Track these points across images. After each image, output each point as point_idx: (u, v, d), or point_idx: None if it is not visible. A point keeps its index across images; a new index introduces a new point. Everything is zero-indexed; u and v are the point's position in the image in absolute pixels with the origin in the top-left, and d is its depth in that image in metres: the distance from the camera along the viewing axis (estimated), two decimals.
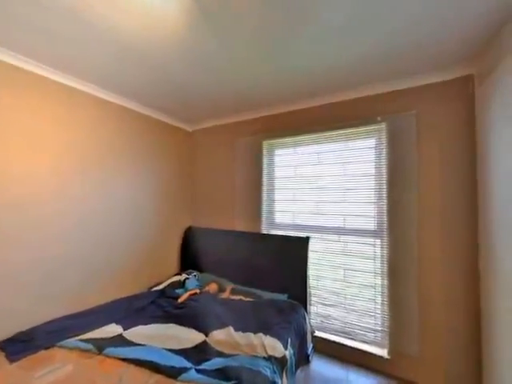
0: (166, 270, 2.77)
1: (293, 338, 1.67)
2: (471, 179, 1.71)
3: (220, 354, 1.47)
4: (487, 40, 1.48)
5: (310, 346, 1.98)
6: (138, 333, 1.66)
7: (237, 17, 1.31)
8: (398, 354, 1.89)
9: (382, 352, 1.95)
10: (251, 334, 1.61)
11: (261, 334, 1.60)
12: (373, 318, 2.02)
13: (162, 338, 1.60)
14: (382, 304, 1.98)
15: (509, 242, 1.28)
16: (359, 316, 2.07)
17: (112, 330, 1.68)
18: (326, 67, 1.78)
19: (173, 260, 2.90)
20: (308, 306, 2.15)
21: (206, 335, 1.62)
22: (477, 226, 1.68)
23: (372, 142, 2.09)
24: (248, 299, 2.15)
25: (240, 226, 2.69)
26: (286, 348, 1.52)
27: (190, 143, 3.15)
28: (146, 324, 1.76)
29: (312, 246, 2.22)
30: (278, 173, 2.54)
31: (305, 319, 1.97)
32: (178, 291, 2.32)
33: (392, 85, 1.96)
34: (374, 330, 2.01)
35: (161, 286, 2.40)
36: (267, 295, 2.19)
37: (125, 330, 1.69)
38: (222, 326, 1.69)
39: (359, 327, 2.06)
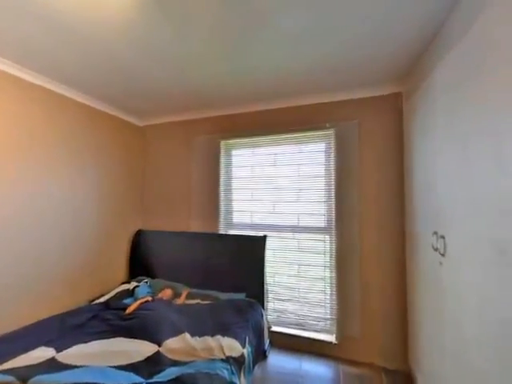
0: (111, 279, 2.50)
1: (250, 336, 1.69)
2: (399, 179, 2.01)
3: (175, 363, 1.40)
4: (411, 65, 1.76)
5: (267, 341, 2.04)
6: (76, 353, 1.45)
7: (194, 9, 1.26)
8: (344, 338, 2.10)
9: (331, 338, 2.13)
10: (208, 338, 1.58)
11: (218, 336, 1.58)
12: (323, 308, 2.20)
13: (107, 354, 1.44)
14: (331, 294, 2.17)
15: (425, 230, 1.55)
16: (311, 307, 2.23)
17: (40, 354, 1.43)
18: (281, 73, 1.86)
19: (120, 267, 2.64)
20: (265, 302, 2.21)
21: (159, 345, 1.52)
22: (404, 217, 1.98)
23: (322, 145, 2.27)
24: (205, 302, 2.10)
25: (196, 226, 2.60)
26: (243, 346, 1.54)
27: (140, 139, 2.90)
28: (86, 342, 1.55)
29: (269, 244, 2.29)
30: (235, 173, 2.54)
31: (262, 316, 2.02)
32: (127, 301, 2.12)
33: (339, 95, 2.17)
34: (324, 319, 2.19)
35: (105, 298, 2.15)
36: (225, 296, 2.18)
37: (58, 352, 1.46)
38: (177, 333, 1.61)
39: (311, 318, 2.22)
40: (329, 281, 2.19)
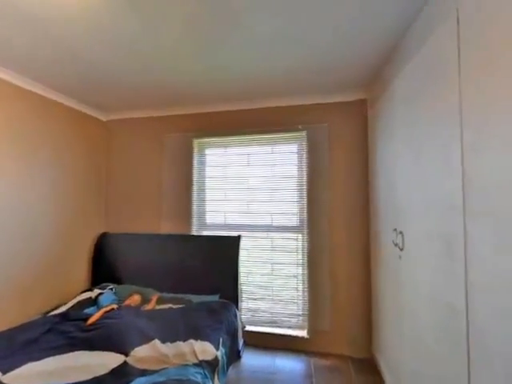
0: (70, 288, 2.28)
1: (224, 338, 1.68)
2: (365, 180, 2.16)
3: (144, 373, 1.33)
4: (375, 74, 1.89)
5: (240, 341, 2.04)
6: (27, 373, 1.29)
7: (165, 1, 1.21)
8: (315, 333, 2.18)
9: (303, 333, 2.21)
10: (180, 343, 1.53)
11: (191, 340, 1.54)
12: (295, 304, 2.27)
13: (65, 371, 1.31)
14: (303, 291, 2.25)
15: (387, 227, 1.69)
16: (284, 305, 2.28)
17: None
18: (254, 74, 1.88)
19: (81, 274, 2.42)
20: (239, 302, 2.21)
21: (127, 355, 1.43)
22: (369, 216, 2.13)
23: (295, 147, 2.34)
24: (178, 306, 2.03)
25: (167, 228, 2.50)
26: (217, 349, 1.52)
27: (103, 134, 2.69)
28: (39, 359, 1.40)
29: (243, 244, 2.29)
30: (209, 172, 2.49)
31: (236, 316, 2.02)
32: (89, 311, 1.95)
33: (311, 99, 2.25)
34: (297, 315, 2.26)
35: (63, 308, 1.95)
36: (198, 298, 2.13)
37: (4, 373, 1.29)
38: (146, 340, 1.53)
39: (285, 315, 2.27)
40: (301, 278, 2.26)
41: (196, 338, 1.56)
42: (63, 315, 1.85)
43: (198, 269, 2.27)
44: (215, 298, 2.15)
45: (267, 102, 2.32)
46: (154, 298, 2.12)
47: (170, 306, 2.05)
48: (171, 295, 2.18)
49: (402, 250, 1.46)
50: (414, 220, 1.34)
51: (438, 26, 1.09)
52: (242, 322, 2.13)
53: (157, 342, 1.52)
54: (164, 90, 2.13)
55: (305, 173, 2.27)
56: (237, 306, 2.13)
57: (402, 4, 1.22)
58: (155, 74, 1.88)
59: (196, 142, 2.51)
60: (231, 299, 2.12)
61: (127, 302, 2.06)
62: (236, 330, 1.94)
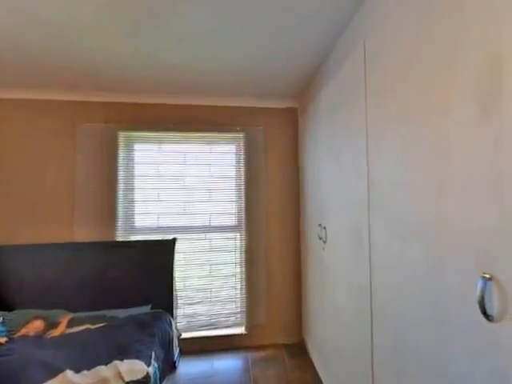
0: None
1: (157, 351, 1.55)
2: (296, 180, 2.38)
3: None
4: (305, 85, 2.11)
5: (176, 351, 1.92)
6: None
7: None
8: (252, 327, 2.26)
9: (241, 330, 2.26)
10: (102, 367, 1.32)
11: (116, 362, 1.34)
12: (234, 303, 2.29)
13: None
14: (241, 289, 2.30)
15: (314, 223, 1.91)
16: (223, 304, 2.28)
17: None
18: (192, 69, 1.81)
19: None
20: (174, 310, 2.07)
21: None
22: (299, 213, 2.36)
23: (233, 147, 2.36)
24: (98, 325, 1.73)
25: (83, 235, 2.11)
26: (149, 364, 1.38)
27: None
28: None
29: (179, 247, 2.16)
30: (138, 170, 2.24)
31: (170, 325, 1.88)
32: None
33: (248, 102, 2.33)
34: (235, 313, 2.29)
35: None
36: (126, 312, 1.88)
37: None
38: (53, 374, 1.25)
39: (223, 315, 2.27)
40: (239, 276, 2.30)
41: (122, 358, 1.37)
42: None
43: (124, 279, 2.01)
44: (146, 309, 1.95)
45: (205, 99, 2.27)
46: (64, 321, 1.76)
47: (86, 326, 1.73)
48: (88, 314, 1.85)
49: (325, 242, 1.68)
50: (334, 216, 1.56)
51: (352, 52, 1.30)
52: (177, 331, 2.01)
53: (68, 373, 1.26)
54: (81, 70, 1.79)
55: (242, 173, 2.32)
56: (172, 315, 1.99)
57: (326, 26, 1.39)
58: (70, 49, 1.56)
59: (122, 135, 2.22)
60: (165, 308, 1.97)
61: (24, 330, 1.64)
62: (171, 341, 1.81)
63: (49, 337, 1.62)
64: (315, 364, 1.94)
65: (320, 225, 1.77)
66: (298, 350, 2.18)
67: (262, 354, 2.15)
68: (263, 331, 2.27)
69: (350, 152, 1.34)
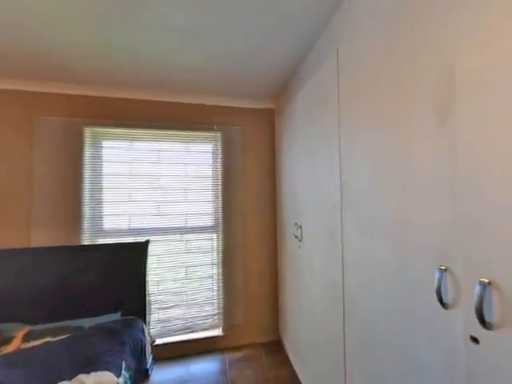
0: None
1: (128, 360, 1.46)
2: (273, 180, 2.42)
3: None
4: (282, 87, 2.16)
5: (149, 358, 1.83)
6: None
7: None
8: (229, 328, 2.25)
9: (218, 331, 2.23)
10: (65, 383, 1.21)
11: (81, 376, 1.25)
12: (211, 304, 2.26)
13: None
14: (218, 290, 2.27)
15: (290, 222, 1.96)
16: (200, 307, 2.23)
17: None
18: (167, 65, 1.75)
19: None
20: (147, 316, 1.97)
21: None
22: (276, 213, 2.40)
23: (210, 147, 2.33)
24: (60, 337, 1.59)
25: (42, 239, 1.92)
26: (119, 375, 1.30)
27: None
28: None
29: (152, 249, 2.07)
30: (107, 169, 2.10)
31: (143, 332, 1.79)
32: None
33: (226, 101, 2.31)
34: (212, 315, 2.25)
35: None
36: (92, 321, 1.75)
37: None
38: None
39: (200, 317, 2.22)
40: (216, 277, 2.27)
41: (89, 371, 1.28)
42: None
43: (91, 286, 1.87)
44: (116, 316, 1.83)
45: (182, 97, 2.20)
46: (20, 335, 1.58)
47: (47, 339, 1.58)
48: (49, 326, 1.69)
49: (301, 241, 1.73)
50: (308, 215, 1.62)
51: (327, 59, 1.36)
52: (150, 337, 1.92)
53: None
54: (43, 58, 1.62)
55: (220, 173, 2.30)
56: (144, 321, 1.90)
57: (303, 28, 1.44)
58: (30, 36, 1.40)
59: (88, 131, 2.06)
60: (137, 314, 1.87)
61: None
62: (143, 348, 1.73)
63: (1, 354, 1.44)
64: (291, 361, 1.99)
65: (296, 224, 1.82)
66: (275, 348, 2.21)
67: (239, 354, 2.14)
68: (240, 331, 2.27)
69: (324, 153, 1.40)
